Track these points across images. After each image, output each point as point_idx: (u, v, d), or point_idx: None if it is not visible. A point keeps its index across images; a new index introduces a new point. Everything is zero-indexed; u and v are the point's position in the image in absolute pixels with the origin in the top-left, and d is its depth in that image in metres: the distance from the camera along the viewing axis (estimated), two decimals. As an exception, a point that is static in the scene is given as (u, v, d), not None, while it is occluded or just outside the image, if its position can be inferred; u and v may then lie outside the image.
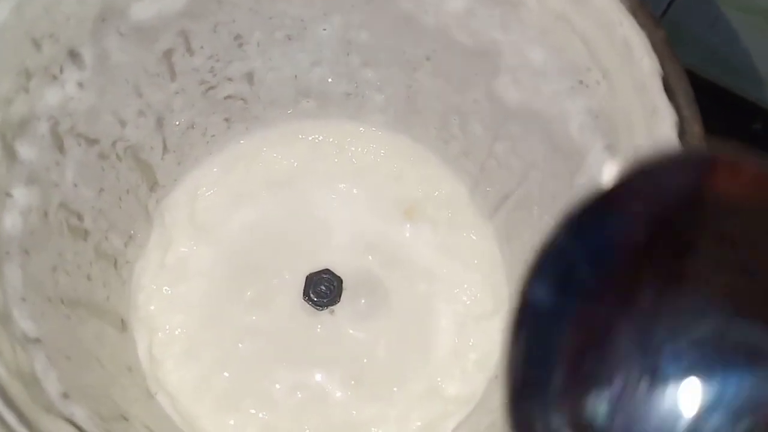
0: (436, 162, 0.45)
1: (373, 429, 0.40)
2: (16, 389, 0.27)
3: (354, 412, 0.40)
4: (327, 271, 0.43)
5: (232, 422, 0.40)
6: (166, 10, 0.36)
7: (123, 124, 0.38)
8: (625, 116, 0.31)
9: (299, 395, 0.40)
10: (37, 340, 0.31)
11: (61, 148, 0.35)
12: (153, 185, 0.43)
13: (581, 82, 0.33)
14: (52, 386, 0.30)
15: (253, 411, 0.40)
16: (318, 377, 0.41)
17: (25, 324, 0.31)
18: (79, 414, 0.30)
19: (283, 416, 0.40)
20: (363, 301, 0.43)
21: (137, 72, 0.37)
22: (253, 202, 0.45)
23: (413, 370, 0.41)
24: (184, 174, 0.44)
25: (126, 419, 0.33)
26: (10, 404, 0.26)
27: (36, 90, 0.33)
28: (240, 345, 0.42)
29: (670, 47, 0.30)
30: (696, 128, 0.28)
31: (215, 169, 0.45)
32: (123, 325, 0.40)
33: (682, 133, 0.28)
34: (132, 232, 0.42)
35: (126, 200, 0.41)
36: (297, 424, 0.40)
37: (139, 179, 0.41)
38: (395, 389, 0.41)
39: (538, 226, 0.39)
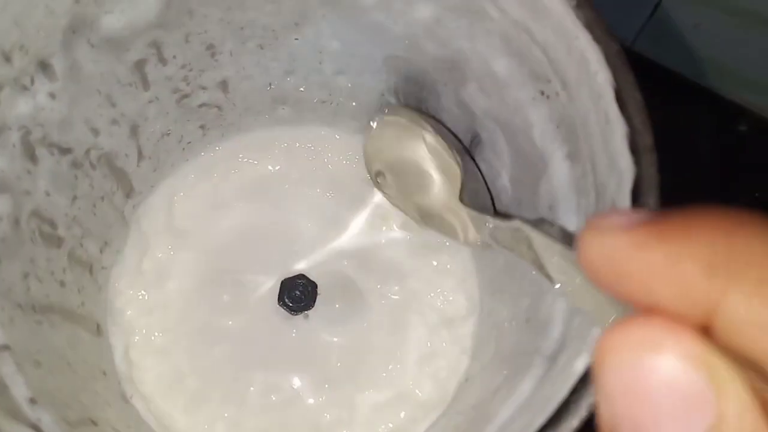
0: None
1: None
2: (-21, 395, 0.28)
3: (327, 415, 0.41)
4: (302, 276, 0.44)
5: (205, 426, 0.40)
6: (136, 22, 0.36)
7: (96, 132, 0.39)
8: (583, 125, 0.32)
9: (273, 398, 0.41)
10: (5, 347, 0.32)
11: (32, 157, 0.36)
12: (129, 192, 0.43)
13: (542, 92, 0.34)
14: (19, 392, 0.31)
15: (226, 414, 0.41)
16: (292, 380, 0.42)
17: (-7, 330, 0.32)
18: (45, 420, 0.31)
19: (253, 418, 0.40)
20: (337, 305, 0.44)
21: (109, 82, 0.38)
22: (229, 207, 0.46)
23: (386, 374, 0.42)
24: (161, 180, 0.45)
25: (95, 424, 0.34)
26: (-27, 410, 0.26)
27: (6, 101, 0.33)
28: (215, 348, 0.42)
29: (624, 60, 0.30)
30: (647, 139, 0.29)
31: (192, 176, 0.46)
32: (98, 330, 0.41)
33: (633, 143, 0.29)
34: (108, 238, 0.43)
35: (101, 207, 0.41)
36: (267, 426, 0.40)
37: (114, 186, 0.42)
38: (367, 393, 0.41)
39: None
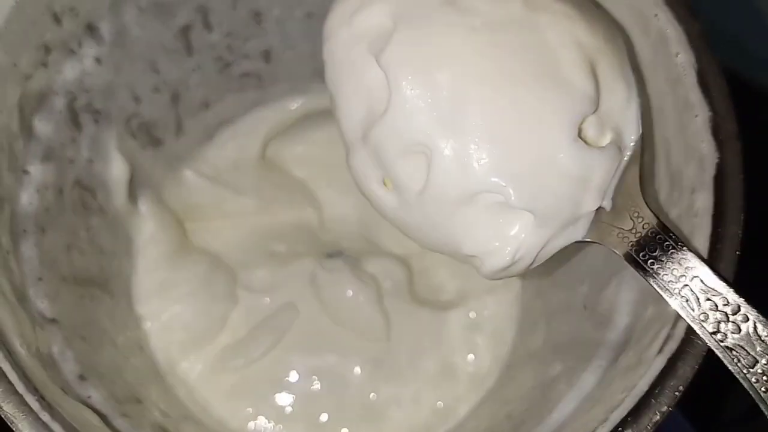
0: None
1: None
2: (37, 371, 0.27)
3: (372, 395, 0.40)
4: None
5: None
6: (186, -15, 0.35)
7: (138, 100, 0.38)
8: (657, 108, 0.31)
9: (315, 379, 0.40)
10: (53, 321, 0.31)
11: (77, 124, 0.34)
12: (166, 162, 0.42)
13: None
14: (69, 368, 0.30)
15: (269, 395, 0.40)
16: (333, 359, 0.40)
17: (41, 304, 0.31)
18: (96, 396, 0.30)
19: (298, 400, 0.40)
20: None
21: (154, 48, 0.37)
22: (262, 182, 0.45)
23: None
24: (197, 150, 0.44)
25: (140, 402, 0.33)
26: (32, 388, 0.25)
27: (54, 65, 0.32)
28: (254, 329, 0.41)
29: (707, 41, 0.29)
30: (729, 125, 0.28)
31: (227, 147, 0.45)
32: (132, 304, 0.40)
33: (716, 129, 0.28)
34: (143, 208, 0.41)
35: (137, 175, 0.40)
36: (315, 407, 0.40)
37: (152, 155, 0.41)
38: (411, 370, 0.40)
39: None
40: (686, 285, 0.25)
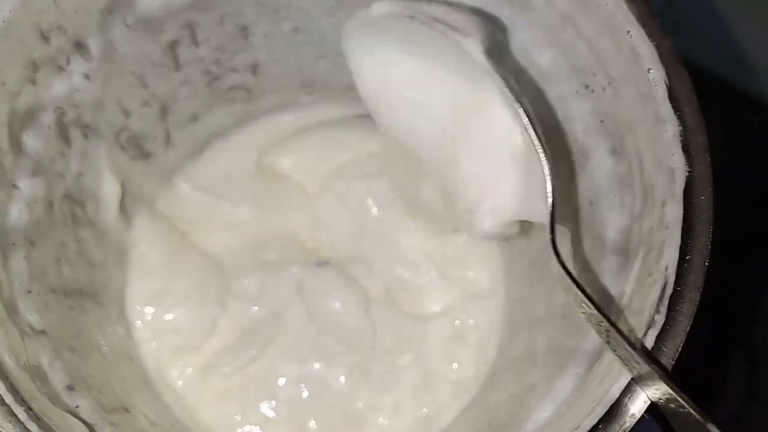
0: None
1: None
2: (24, 382, 0.27)
3: (358, 403, 0.41)
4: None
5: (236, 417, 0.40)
6: (172, 2, 0.36)
7: (127, 114, 0.38)
8: (630, 122, 0.32)
9: (302, 386, 0.41)
10: (42, 332, 0.31)
11: (66, 138, 0.35)
12: (158, 174, 0.43)
13: (587, 86, 0.33)
14: (57, 378, 0.31)
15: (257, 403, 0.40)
16: (319, 367, 0.41)
17: (31, 316, 0.31)
18: (84, 406, 0.30)
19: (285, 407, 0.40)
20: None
21: (143, 63, 0.37)
22: (254, 192, 0.45)
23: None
24: (187, 162, 0.45)
25: (128, 411, 0.34)
26: (19, 398, 0.26)
27: (43, 81, 0.33)
28: (242, 336, 0.42)
29: (678, 57, 0.30)
30: (699, 139, 0.29)
31: (213, 158, 0.45)
32: (123, 314, 0.41)
33: (685, 142, 0.29)
34: (134, 219, 0.42)
35: (128, 188, 0.41)
36: (300, 415, 0.40)
37: (143, 168, 0.41)
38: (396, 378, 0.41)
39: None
40: None
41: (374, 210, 0.45)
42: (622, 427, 0.26)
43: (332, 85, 0.45)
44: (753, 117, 0.64)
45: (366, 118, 0.45)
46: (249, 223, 0.45)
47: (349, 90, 0.44)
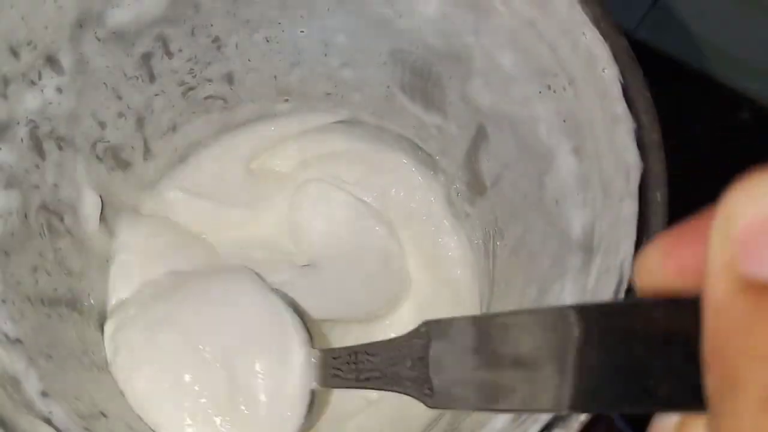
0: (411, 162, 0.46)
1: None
2: (-6, 390, 0.28)
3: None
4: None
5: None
6: (143, 15, 0.37)
7: (103, 125, 0.39)
8: (589, 121, 0.32)
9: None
10: (17, 341, 0.32)
11: (40, 151, 0.36)
12: (136, 183, 0.43)
13: (549, 86, 0.34)
14: (31, 386, 0.31)
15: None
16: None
17: (5, 325, 0.32)
18: (58, 412, 0.31)
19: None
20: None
21: (116, 75, 0.38)
22: (238, 199, 0.46)
23: None
24: (167, 171, 0.45)
25: (105, 416, 0.34)
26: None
27: (14, 96, 0.33)
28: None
29: (632, 56, 0.30)
30: (653, 136, 0.29)
31: (198, 166, 0.46)
32: (101, 320, 0.41)
33: (640, 139, 0.29)
34: (116, 228, 0.43)
35: (108, 199, 0.41)
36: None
37: (122, 178, 0.42)
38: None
39: (512, 225, 0.40)
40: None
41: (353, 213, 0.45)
42: (579, 419, 0.26)
43: (309, 93, 0.45)
44: (743, 113, 0.64)
45: (348, 124, 0.46)
46: (238, 224, 0.46)
47: (327, 97, 0.45)
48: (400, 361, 0.27)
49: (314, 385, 0.35)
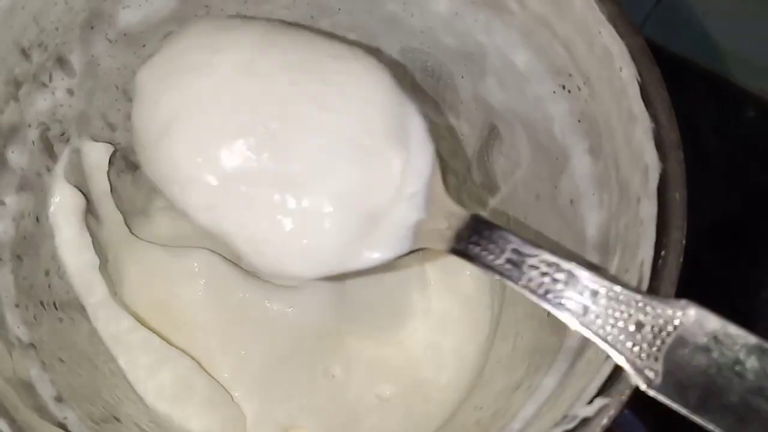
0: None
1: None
2: (9, 394, 0.28)
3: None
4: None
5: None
6: (153, 16, 0.36)
7: (113, 128, 0.39)
8: (606, 121, 0.32)
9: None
10: (31, 345, 0.32)
11: (51, 154, 0.35)
12: (147, 185, 0.43)
13: (563, 86, 0.34)
14: (45, 390, 0.31)
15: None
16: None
17: (19, 330, 0.32)
18: (71, 417, 0.31)
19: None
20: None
21: (126, 76, 0.38)
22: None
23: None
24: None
25: (119, 420, 0.34)
26: (3, 410, 0.26)
27: (25, 98, 0.33)
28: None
29: (649, 55, 0.30)
30: (672, 136, 0.29)
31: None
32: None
33: (658, 139, 0.29)
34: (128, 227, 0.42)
35: (117, 199, 0.41)
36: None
37: (129, 180, 0.42)
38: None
39: (522, 225, 0.40)
40: (508, 258, 0.28)
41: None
42: (600, 424, 0.26)
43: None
44: (748, 111, 0.64)
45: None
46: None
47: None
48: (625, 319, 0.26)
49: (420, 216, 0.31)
